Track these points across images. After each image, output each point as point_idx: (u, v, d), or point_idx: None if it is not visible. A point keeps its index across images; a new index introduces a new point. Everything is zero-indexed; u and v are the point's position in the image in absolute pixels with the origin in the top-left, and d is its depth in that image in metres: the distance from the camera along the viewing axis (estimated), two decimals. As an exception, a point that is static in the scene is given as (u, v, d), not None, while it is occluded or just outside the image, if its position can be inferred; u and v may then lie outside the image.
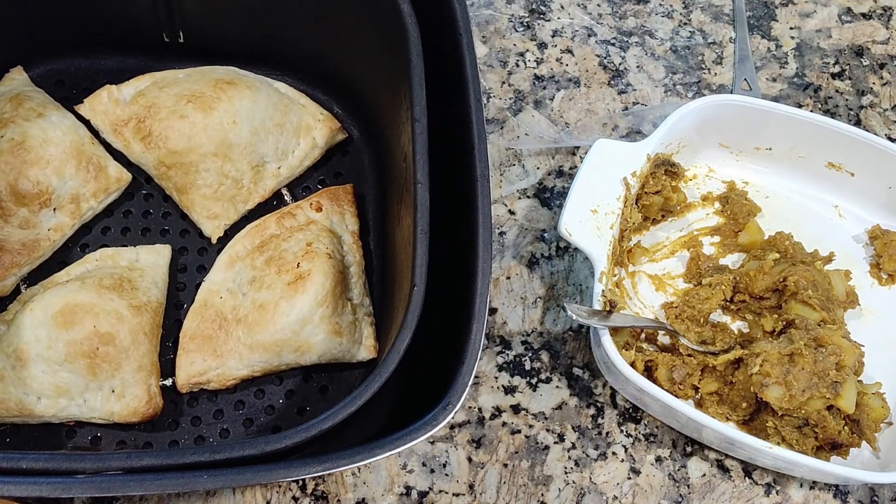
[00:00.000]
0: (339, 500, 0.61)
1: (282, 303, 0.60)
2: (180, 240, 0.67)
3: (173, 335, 0.63)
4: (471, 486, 0.62)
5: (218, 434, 0.61)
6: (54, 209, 0.63)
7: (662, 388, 0.60)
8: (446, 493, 0.62)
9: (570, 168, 0.75)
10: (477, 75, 0.59)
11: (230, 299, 0.63)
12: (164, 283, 0.64)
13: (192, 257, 0.67)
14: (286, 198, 0.69)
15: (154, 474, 0.46)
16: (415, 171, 0.54)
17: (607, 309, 0.60)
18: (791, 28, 0.85)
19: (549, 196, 0.74)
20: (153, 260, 0.65)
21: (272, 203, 0.68)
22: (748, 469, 0.64)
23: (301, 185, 0.70)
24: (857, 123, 0.80)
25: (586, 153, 0.64)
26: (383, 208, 0.69)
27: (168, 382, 0.62)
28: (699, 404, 0.64)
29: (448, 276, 0.55)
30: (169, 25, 0.71)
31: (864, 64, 0.84)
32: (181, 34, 0.71)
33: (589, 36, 0.82)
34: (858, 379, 0.62)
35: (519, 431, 0.64)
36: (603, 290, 0.61)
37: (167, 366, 0.63)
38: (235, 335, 0.61)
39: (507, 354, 0.67)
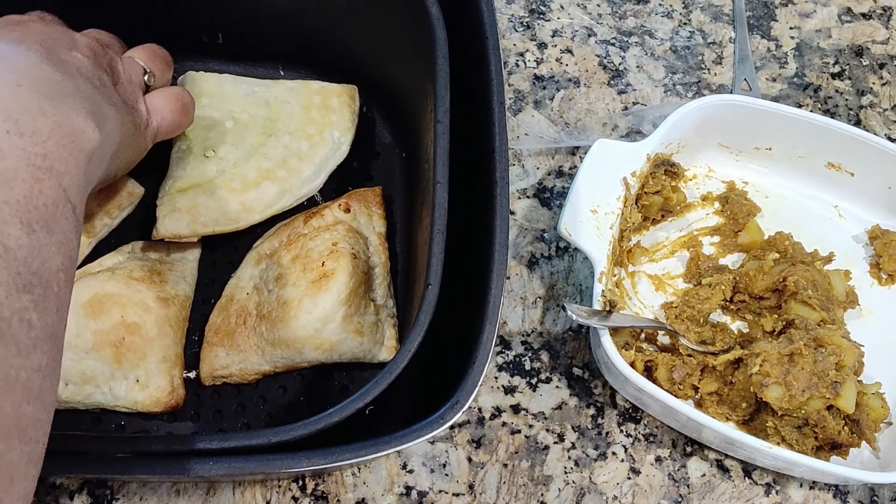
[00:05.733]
0: (338, 500, 0.61)
1: (305, 300, 0.60)
2: (212, 236, 0.67)
3: (199, 329, 0.64)
4: (471, 486, 0.62)
5: (239, 428, 0.61)
6: None
7: (662, 388, 0.60)
8: (446, 493, 0.62)
9: (570, 168, 0.76)
10: (501, 78, 0.59)
11: (255, 295, 0.63)
12: (193, 278, 0.65)
13: (222, 253, 0.67)
14: (317, 199, 0.69)
15: (159, 460, 0.47)
16: (435, 171, 0.55)
17: (607, 309, 0.60)
18: (791, 28, 0.85)
19: (549, 196, 0.74)
20: (183, 254, 0.66)
21: (303, 204, 0.69)
22: (748, 469, 0.64)
23: (331, 187, 0.70)
24: (857, 123, 0.80)
25: (586, 153, 0.64)
26: (410, 211, 0.69)
27: (192, 375, 0.63)
28: (699, 404, 0.64)
29: (464, 276, 0.55)
30: (208, 27, 0.71)
31: (864, 64, 0.84)
32: (220, 36, 0.72)
33: (589, 36, 0.82)
34: (858, 379, 0.62)
35: (519, 431, 0.64)
36: (603, 290, 0.61)
37: (192, 358, 0.63)
38: (259, 330, 0.62)
39: (507, 354, 0.67)
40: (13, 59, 0.45)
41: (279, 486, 0.61)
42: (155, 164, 0.69)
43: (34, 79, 0.44)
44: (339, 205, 0.67)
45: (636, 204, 0.68)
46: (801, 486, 0.64)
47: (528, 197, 0.74)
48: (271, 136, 0.67)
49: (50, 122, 0.42)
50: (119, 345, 0.58)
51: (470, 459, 0.63)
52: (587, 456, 0.64)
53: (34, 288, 0.37)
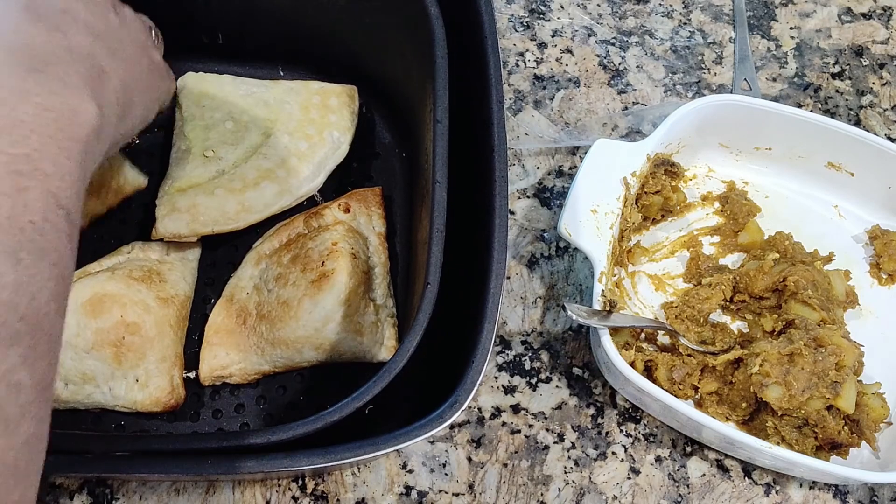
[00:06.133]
0: (338, 500, 0.61)
1: (305, 300, 0.61)
2: (212, 236, 0.67)
3: (200, 329, 0.64)
4: (470, 486, 0.62)
5: (238, 427, 0.62)
6: None
7: (662, 388, 0.60)
8: (446, 492, 0.62)
9: (570, 168, 0.76)
10: (500, 77, 0.59)
11: (255, 295, 0.63)
12: (193, 278, 0.65)
13: (222, 253, 0.68)
14: (317, 198, 0.70)
15: (158, 459, 0.47)
16: (434, 170, 0.55)
17: (607, 309, 0.60)
18: (791, 28, 0.85)
19: (549, 196, 0.74)
20: (183, 254, 0.66)
21: (303, 203, 0.69)
22: (748, 469, 0.64)
23: (331, 187, 0.70)
24: (857, 123, 0.80)
25: (586, 153, 0.64)
26: (411, 211, 0.69)
27: (192, 375, 0.63)
28: (699, 404, 0.64)
29: (463, 276, 0.55)
30: (208, 27, 0.72)
31: (864, 64, 0.84)
32: (220, 36, 0.72)
33: (589, 36, 0.82)
34: (858, 379, 0.62)
35: (519, 431, 0.64)
36: (603, 290, 0.61)
37: (192, 358, 0.63)
38: (259, 330, 0.62)
39: (507, 354, 0.67)
40: None
41: (279, 486, 0.61)
42: (155, 165, 0.69)
43: (15, 47, 0.37)
44: (339, 205, 0.67)
45: (636, 204, 0.68)
46: (801, 486, 0.64)
47: (528, 197, 0.74)
48: (271, 136, 0.67)
49: (34, 107, 0.35)
50: (119, 344, 0.58)
51: (470, 459, 0.63)
52: (587, 456, 0.64)
53: (23, 337, 0.31)
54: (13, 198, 0.32)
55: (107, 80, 0.41)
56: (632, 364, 0.60)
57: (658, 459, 0.64)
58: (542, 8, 0.84)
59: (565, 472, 0.63)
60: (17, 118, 0.34)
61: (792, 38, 0.85)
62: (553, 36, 0.82)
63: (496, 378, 0.66)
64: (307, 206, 0.69)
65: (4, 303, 0.30)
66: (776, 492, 0.64)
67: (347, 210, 0.66)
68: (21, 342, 0.31)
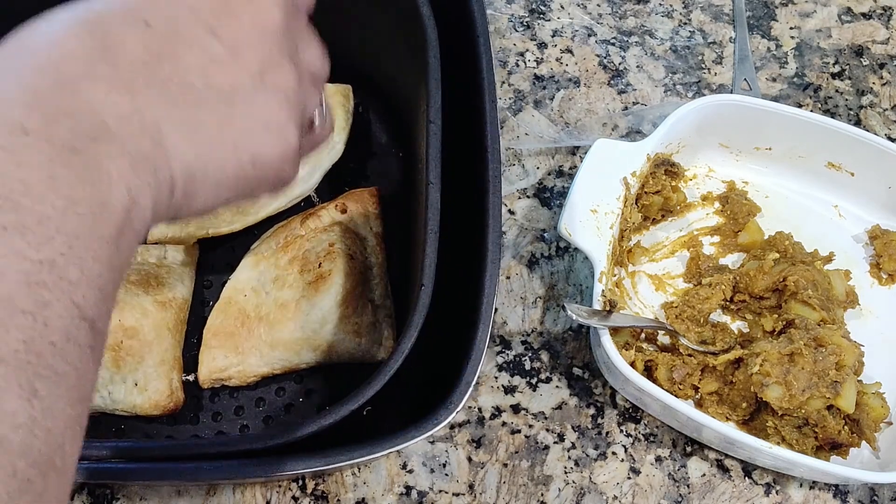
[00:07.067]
0: (338, 500, 0.61)
1: (302, 302, 0.61)
2: (209, 238, 0.67)
3: (198, 332, 0.64)
4: (471, 486, 0.62)
5: (238, 430, 0.62)
6: None
7: (662, 388, 0.60)
8: (446, 492, 0.62)
9: (570, 168, 0.75)
10: (493, 77, 0.59)
11: (253, 297, 0.64)
12: (191, 281, 0.65)
13: (220, 255, 0.68)
14: (314, 199, 0.69)
15: (154, 464, 0.47)
16: (427, 171, 0.55)
17: (607, 309, 0.60)
18: (791, 28, 0.85)
19: (549, 196, 0.74)
20: (181, 257, 0.66)
21: (300, 204, 0.69)
22: (748, 469, 0.64)
23: (328, 187, 0.70)
24: (857, 123, 0.80)
25: (586, 153, 0.64)
26: (408, 211, 0.69)
27: (191, 378, 0.63)
28: (699, 404, 0.64)
29: (457, 275, 0.55)
30: None
31: (864, 64, 0.84)
32: None
33: (589, 36, 0.82)
34: (858, 379, 0.62)
35: (519, 431, 0.64)
36: (603, 290, 0.61)
37: (191, 361, 0.63)
38: (257, 333, 0.62)
39: (507, 354, 0.67)
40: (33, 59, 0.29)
41: (279, 486, 0.61)
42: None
43: (61, 112, 0.28)
44: (336, 205, 0.67)
45: (636, 204, 0.68)
46: (801, 486, 0.64)
47: (528, 197, 0.74)
48: None
49: (62, 200, 0.27)
50: (117, 348, 0.58)
51: (470, 459, 0.63)
52: (587, 456, 0.64)
53: (33, 484, 0.26)
54: (32, 318, 0.26)
55: (162, 164, 0.31)
56: (632, 364, 0.60)
57: (658, 459, 0.64)
58: (542, 8, 0.84)
59: (565, 472, 0.63)
60: (42, 213, 0.27)
61: (792, 38, 0.85)
62: (553, 36, 0.82)
63: (496, 378, 0.66)
64: (304, 206, 0.68)
65: (16, 450, 0.25)
66: (776, 492, 0.64)
67: (344, 210, 0.66)
68: (31, 489, 0.26)
